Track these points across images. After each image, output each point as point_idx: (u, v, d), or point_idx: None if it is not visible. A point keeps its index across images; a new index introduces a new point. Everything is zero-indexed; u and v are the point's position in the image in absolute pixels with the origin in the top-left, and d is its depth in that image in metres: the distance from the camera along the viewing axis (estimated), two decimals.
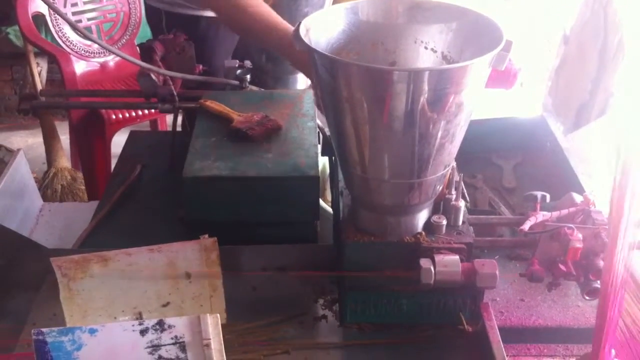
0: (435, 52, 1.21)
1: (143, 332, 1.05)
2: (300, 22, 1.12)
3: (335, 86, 1.08)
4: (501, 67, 1.06)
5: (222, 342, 1.04)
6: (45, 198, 2.36)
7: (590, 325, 1.25)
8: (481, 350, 1.19)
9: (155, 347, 1.05)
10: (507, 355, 1.15)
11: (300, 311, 1.33)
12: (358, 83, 1.05)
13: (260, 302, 1.36)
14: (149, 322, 1.04)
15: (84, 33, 1.69)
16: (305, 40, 1.09)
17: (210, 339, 1.03)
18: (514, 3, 3.41)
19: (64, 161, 3.26)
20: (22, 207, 1.85)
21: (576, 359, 1.20)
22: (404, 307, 1.27)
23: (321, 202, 1.56)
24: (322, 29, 1.16)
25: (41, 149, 3.33)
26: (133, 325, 1.04)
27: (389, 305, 1.27)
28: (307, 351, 1.24)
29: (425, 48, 1.21)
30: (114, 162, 2.72)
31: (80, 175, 3.19)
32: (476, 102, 1.11)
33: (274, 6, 1.74)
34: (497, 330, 1.19)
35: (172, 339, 1.05)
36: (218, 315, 1.03)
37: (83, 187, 3.12)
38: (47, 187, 3.07)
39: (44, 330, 1.04)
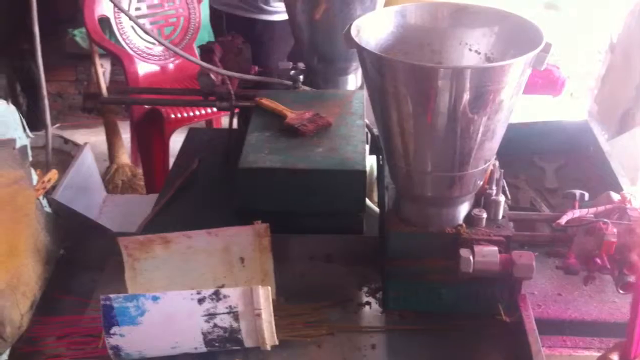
0: (479, 53, 1.27)
1: (200, 301, 1.14)
2: (351, 23, 1.20)
3: (383, 83, 1.16)
4: (540, 68, 1.12)
5: (272, 313, 1.13)
6: (107, 192, 2.49)
7: (626, 320, 1.30)
8: (518, 340, 1.24)
9: (211, 315, 1.15)
10: (543, 346, 1.20)
11: (345, 298, 1.40)
12: (403, 80, 1.13)
13: (308, 288, 1.43)
14: (206, 292, 1.13)
15: (151, 35, 1.81)
16: (356, 40, 1.17)
17: (261, 309, 1.12)
18: (564, 14, 3.43)
19: (125, 158, 3.42)
20: (87, 198, 1.97)
21: (611, 346, 1.23)
22: (444, 296, 1.33)
23: (368, 201, 1.64)
24: (372, 30, 1.24)
25: (102, 147, 3.49)
26: (192, 294, 1.14)
27: (430, 293, 1.33)
28: (350, 334, 1.32)
29: (470, 50, 1.28)
30: (171, 160, 2.86)
31: (139, 171, 3.34)
32: (516, 101, 1.17)
33: (327, 10, 1.82)
34: (534, 321, 1.24)
35: (226, 308, 1.14)
36: (269, 287, 1.11)
37: (142, 183, 3.27)
38: (109, 182, 3.22)
39: (111, 296, 1.15)
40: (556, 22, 3.43)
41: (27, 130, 1.50)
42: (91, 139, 3.85)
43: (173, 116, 3.08)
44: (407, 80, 1.13)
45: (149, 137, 3.16)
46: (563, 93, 2.02)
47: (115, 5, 2.99)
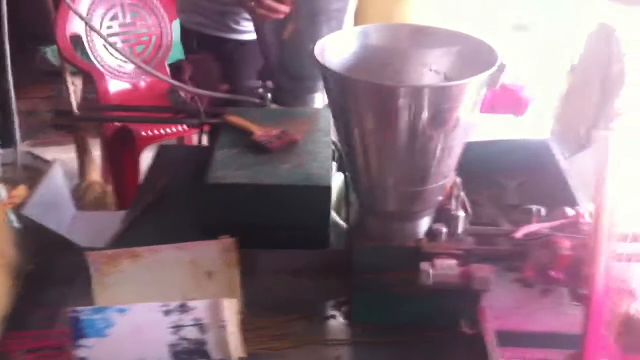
0: (439, 73, 1.32)
1: (167, 313, 1.17)
2: (315, 43, 1.24)
3: (345, 101, 1.20)
4: (495, 87, 1.17)
5: (238, 325, 1.15)
6: (77, 209, 2.50)
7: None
8: (478, 352, 1.28)
9: (177, 327, 1.17)
10: (502, 358, 1.24)
11: (311, 311, 1.43)
12: (364, 98, 1.17)
13: (275, 302, 1.45)
14: (173, 304, 1.16)
15: (123, 54, 1.84)
16: (320, 59, 1.21)
17: (226, 320, 1.14)
18: (533, 35, 3.53)
19: (95, 175, 3.42)
20: (56, 214, 1.97)
21: (567, 355, 1.28)
22: (407, 308, 1.36)
23: (335, 216, 1.67)
24: (335, 50, 1.28)
25: (72, 164, 3.48)
26: (158, 306, 1.17)
27: (393, 306, 1.36)
28: (316, 346, 1.34)
29: (430, 70, 1.33)
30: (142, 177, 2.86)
31: (110, 188, 3.34)
32: (472, 118, 1.22)
33: (295, 30, 1.87)
34: (493, 333, 1.28)
35: (192, 320, 1.17)
36: (234, 300, 1.14)
37: (112, 200, 3.27)
38: (79, 199, 3.21)
39: (78, 308, 1.17)
40: (525, 43, 3.52)
41: None
42: (62, 156, 3.85)
43: (144, 133, 3.09)
44: (368, 98, 1.17)
45: (120, 155, 3.16)
46: (528, 113, 2.09)
47: (87, 24, 3.01)
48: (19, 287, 1.45)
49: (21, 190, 1.55)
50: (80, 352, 1.21)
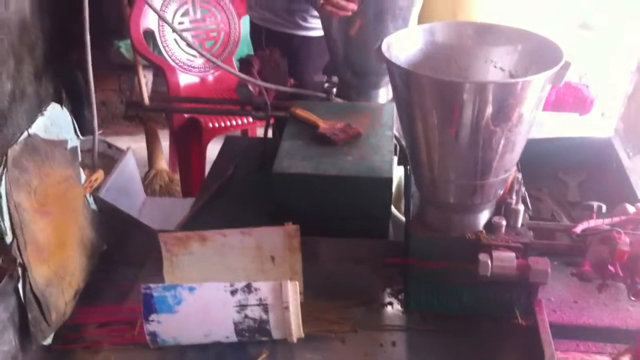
0: (504, 70, 1.35)
1: (233, 293, 1.23)
2: (382, 39, 1.29)
3: (410, 96, 1.24)
4: (559, 84, 1.19)
5: (299, 307, 1.21)
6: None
7: (638, 326, 1.36)
8: (533, 343, 1.30)
9: (242, 307, 1.23)
10: (557, 350, 1.26)
11: (369, 298, 1.48)
12: (430, 94, 1.21)
13: (334, 288, 1.51)
14: (239, 285, 1.22)
15: (195, 48, 1.92)
16: (387, 55, 1.25)
17: (288, 302, 1.20)
18: (598, 34, 3.47)
19: (163, 164, 3.54)
20: (128, 199, 2.08)
21: (622, 350, 1.28)
22: (463, 299, 1.40)
23: (394, 209, 1.71)
24: (402, 47, 1.32)
25: (142, 153, 3.61)
26: (225, 286, 1.23)
27: (449, 295, 1.40)
28: (372, 331, 1.39)
29: (495, 67, 1.36)
30: (207, 167, 2.96)
31: (176, 177, 3.46)
32: (536, 115, 1.24)
33: (361, 27, 1.91)
34: (548, 325, 1.30)
35: (257, 300, 1.23)
36: (297, 283, 1.19)
37: (179, 188, 3.39)
38: (148, 186, 3.34)
39: (151, 285, 1.24)
40: (589, 42, 3.47)
41: (78, 132, 1.61)
42: (132, 146, 3.99)
43: (211, 125, 3.20)
44: (433, 94, 1.21)
45: (187, 145, 3.28)
46: (592, 112, 2.07)
47: (161, 18, 3.13)
48: (93, 266, 1.54)
49: (99, 175, 1.64)
50: (151, 327, 1.28)
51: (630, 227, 1.32)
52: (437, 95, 1.21)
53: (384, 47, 1.27)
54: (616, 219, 1.32)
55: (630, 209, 1.36)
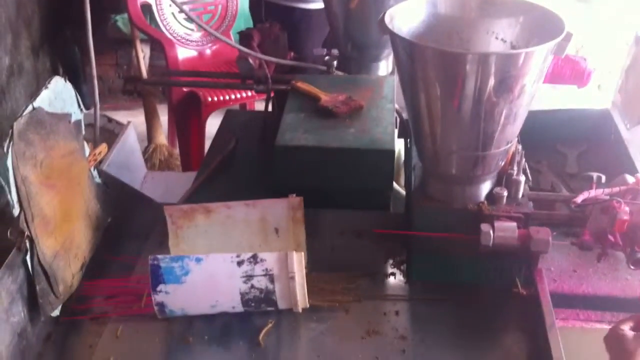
0: (505, 42, 1.36)
1: (239, 264, 1.25)
2: (385, 11, 1.29)
3: (413, 68, 1.25)
4: (561, 55, 1.20)
5: (305, 277, 1.22)
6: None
7: (637, 295, 1.38)
8: (534, 312, 1.33)
9: (248, 277, 1.25)
10: (557, 319, 1.29)
11: (372, 269, 1.50)
12: (433, 65, 1.22)
13: (337, 260, 1.53)
14: (245, 255, 1.24)
15: (195, 20, 1.92)
16: (390, 27, 1.26)
17: (294, 272, 1.22)
18: (595, 7, 3.46)
19: (162, 138, 3.55)
20: (129, 173, 2.09)
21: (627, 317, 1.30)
22: (465, 269, 1.42)
23: (395, 184, 1.72)
24: (404, 18, 1.33)
25: (141, 128, 3.62)
26: (232, 257, 1.25)
27: (451, 266, 1.42)
28: (375, 301, 1.41)
29: (496, 38, 1.36)
30: (207, 141, 2.96)
31: (176, 151, 3.47)
32: (537, 86, 1.25)
33: (361, 0, 1.91)
34: (549, 294, 1.33)
35: (263, 271, 1.25)
36: (302, 253, 1.21)
37: (178, 162, 3.40)
38: (147, 160, 3.35)
39: (159, 256, 1.26)
40: (587, 15, 3.47)
41: (82, 106, 1.61)
42: (131, 120, 4.00)
43: (210, 99, 3.20)
44: (436, 65, 1.22)
45: (187, 119, 3.28)
46: (589, 84, 2.08)
47: None
48: (99, 239, 1.55)
49: (102, 148, 1.65)
50: (159, 297, 1.30)
51: (630, 197, 1.34)
52: (440, 67, 1.22)
53: (387, 19, 1.28)
54: (615, 189, 1.34)
55: (630, 179, 1.38)
